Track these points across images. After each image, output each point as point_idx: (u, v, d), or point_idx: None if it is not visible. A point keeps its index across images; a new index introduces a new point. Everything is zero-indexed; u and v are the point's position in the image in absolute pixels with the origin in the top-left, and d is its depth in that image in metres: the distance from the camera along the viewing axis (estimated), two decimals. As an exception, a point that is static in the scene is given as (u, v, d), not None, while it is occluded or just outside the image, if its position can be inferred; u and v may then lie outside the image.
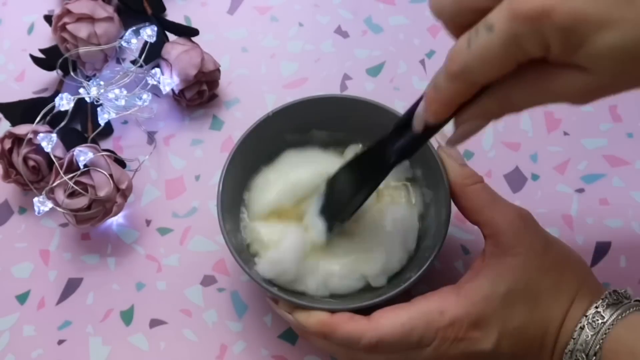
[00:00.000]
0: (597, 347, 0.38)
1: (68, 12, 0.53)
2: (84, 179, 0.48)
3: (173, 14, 0.62)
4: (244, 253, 0.45)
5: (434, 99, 0.32)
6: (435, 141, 0.45)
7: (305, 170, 0.47)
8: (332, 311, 0.41)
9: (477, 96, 0.31)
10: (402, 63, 0.58)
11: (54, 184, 0.48)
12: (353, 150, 0.50)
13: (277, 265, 0.43)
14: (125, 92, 0.54)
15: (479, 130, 0.33)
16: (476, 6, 0.29)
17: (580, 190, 0.52)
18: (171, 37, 0.58)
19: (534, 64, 0.29)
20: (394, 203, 0.47)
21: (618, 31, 0.26)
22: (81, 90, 0.54)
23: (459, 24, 0.30)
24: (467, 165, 0.44)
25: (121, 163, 0.52)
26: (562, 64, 0.28)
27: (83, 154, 0.48)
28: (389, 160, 0.39)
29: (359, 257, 0.45)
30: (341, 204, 0.44)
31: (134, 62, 0.56)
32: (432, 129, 0.35)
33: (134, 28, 0.55)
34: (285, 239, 0.44)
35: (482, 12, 0.28)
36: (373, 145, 0.40)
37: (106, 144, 0.56)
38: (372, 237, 0.45)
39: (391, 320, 0.39)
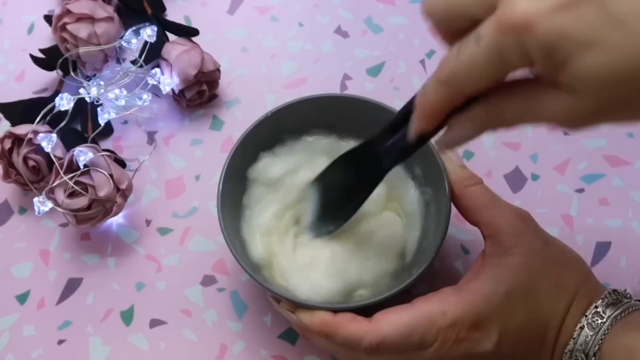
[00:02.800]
0: (597, 347, 0.38)
1: (68, 12, 0.53)
2: (84, 179, 0.48)
3: (173, 14, 0.61)
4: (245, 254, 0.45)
5: (421, 102, 0.32)
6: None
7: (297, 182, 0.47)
8: (334, 311, 0.41)
9: (469, 105, 0.31)
10: (402, 63, 0.58)
11: (54, 184, 0.48)
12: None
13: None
14: (125, 92, 0.54)
15: (468, 137, 0.33)
16: (467, 13, 0.29)
17: (580, 190, 0.52)
18: (171, 37, 0.58)
19: (528, 81, 0.29)
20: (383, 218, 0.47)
21: (602, 53, 0.25)
22: (81, 90, 0.54)
23: (449, 29, 0.30)
24: (466, 167, 0.44)
25: (121, 163, 0.52)
26: (552, 83, 0.28)
27: (83, 154, 0.48)
28: (382, 163, 0.39)
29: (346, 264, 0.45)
30: (335, 209, 0.44)
31: (134, 62, 0.56)
32: (424, 136, 0.35)
33: (134, 28, 0.55)
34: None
35: (473, 21, 0.28)
36: (362, 145, 0.40)
37: (106, 144, 0.56)
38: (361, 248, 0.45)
39: (392, 322, 0.39)
